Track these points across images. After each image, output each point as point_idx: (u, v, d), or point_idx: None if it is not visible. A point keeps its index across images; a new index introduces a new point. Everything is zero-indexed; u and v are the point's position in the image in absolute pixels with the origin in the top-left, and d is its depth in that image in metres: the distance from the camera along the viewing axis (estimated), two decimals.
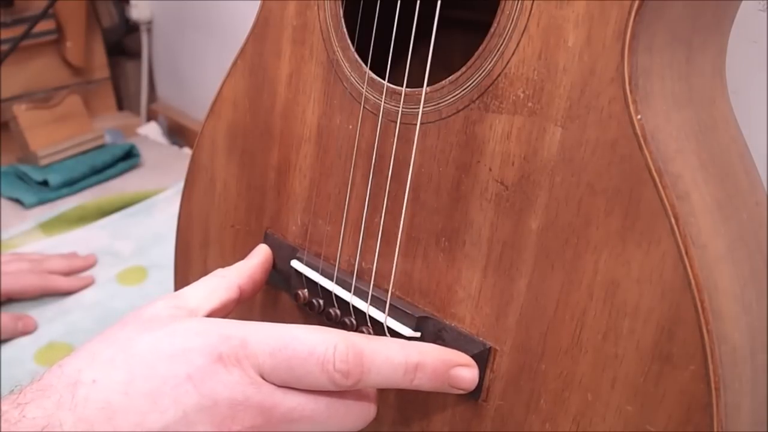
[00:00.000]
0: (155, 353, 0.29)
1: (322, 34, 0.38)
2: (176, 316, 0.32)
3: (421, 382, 0.30)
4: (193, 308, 0.33)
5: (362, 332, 0.37)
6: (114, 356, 0.29)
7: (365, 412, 0.31)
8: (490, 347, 0.32)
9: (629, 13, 0.26)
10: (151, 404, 0.27)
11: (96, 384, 0.27)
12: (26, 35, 0.78)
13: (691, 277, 0.26)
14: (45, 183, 0.86)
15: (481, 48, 0.31)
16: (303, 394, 0.29)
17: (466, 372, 0.31)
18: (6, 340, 0.61)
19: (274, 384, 0.29)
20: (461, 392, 0.31)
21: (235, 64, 0.43)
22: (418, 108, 0.33)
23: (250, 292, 0.37)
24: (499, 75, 0.30)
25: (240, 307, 0.44)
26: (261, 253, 0.39)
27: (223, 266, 0.39)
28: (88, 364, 0.28)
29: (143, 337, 0.30)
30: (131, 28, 1.07)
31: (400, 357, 0.30)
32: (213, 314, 0.34)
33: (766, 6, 0.45)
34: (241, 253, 0.45)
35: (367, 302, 0.36)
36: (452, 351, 0.31)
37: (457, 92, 0.32)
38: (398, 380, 0.30)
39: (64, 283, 0.68)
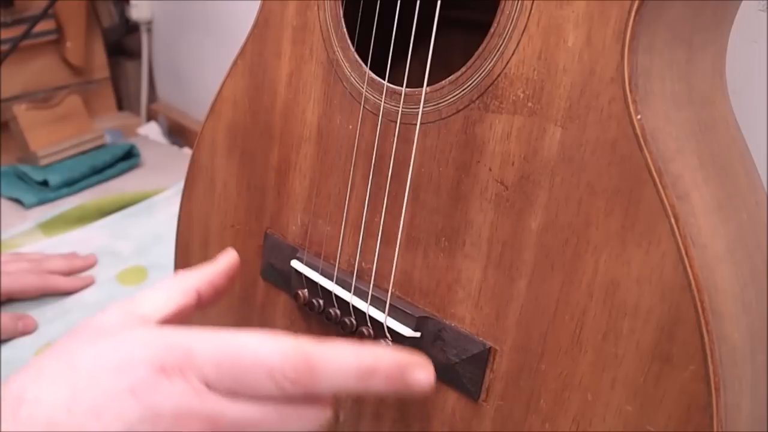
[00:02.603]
0: (99, 366, 0.28)
1: (322, 34, 0.38)
2: (127, 323, 0.31)
3: (376, 386, 0.29)
4: (145, 314, 0.32)
5: (362, 332, 0.37)
6: (58, 372, 0.29)
7: (318, 415, 0.30)
8: (490, 347, 0.32)
9: (629, 13, 0.26)
10: (94, 419, 0.27)
11: (39, 401, 0.27)
12: (26, 35, 0.78)
13: (691, 277, 0.26)
14: (45, 183, 0.86)
15: (481, 48, 0.31)
16: (251, 401, 0.28)
17: (421, 374, 0.29)
18: (6, 340, 0.61)
19: (221, 393, 0.28)
20: (419, 394, 0.30)
21: (235, 64, 0.43)
22: (418, 108, 0.33)
23: (210, 299, 0.36)
24: (499, 75, 0.30)
25: (239, 307, 0.44)
26: (227, 260, 0.37)
27: None
28: (33, 380, 0.28)
29: (88, 349, 0.29)
30: (131, 28, 1.07)
31: (352, 363, 0.28)
32: (168, 320, 0.33)
33: (766, 6, 0.45)
34: (241, 253, 0.45)
35: (367, 302, 0.36)
36: (407, 354, 0.30)
37: (457, 92, 0.32)
38: (351, 386, 0.29)
39: (64, 283, 0.68)
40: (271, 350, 0.28)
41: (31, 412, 0.27)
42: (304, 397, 0.29)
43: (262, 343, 0.28)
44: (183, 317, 0.34)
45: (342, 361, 0.29)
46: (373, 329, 0.36)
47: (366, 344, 0.29)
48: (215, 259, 0.37)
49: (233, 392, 0.28)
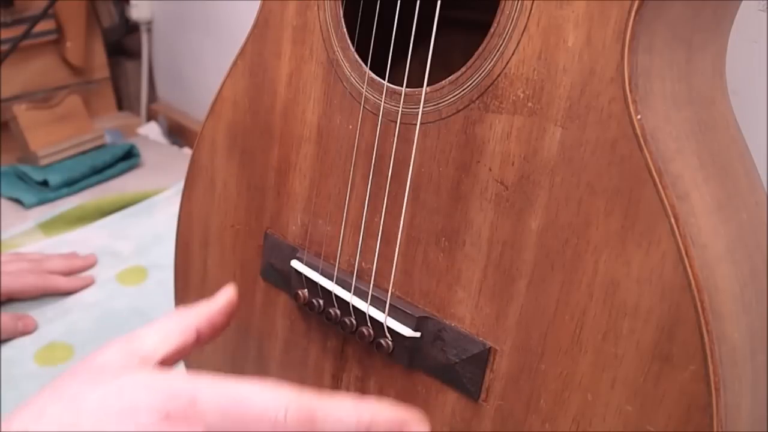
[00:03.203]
0: (103, 410, 0.28)
1: (322, 34, 0.38)
2: (128, 365, 0.31)
3: None
4: (146, 355, 0.32)
5: (362, 332, 0.37)
6: (61, 414, 0.28)
7: None
8: (490, 347, 0.32)
9: (629, 13, 0.26)
10: None
11: None
12: (26, 35, 0.78)
13: (691, 277, 0.26)
14: (45, 183, 0.86)
15: (481, 48, 0.31)
16: None
17: (419, 428, 0.30)
18: (6, 340, 0.61)
19: None
20: None
21: (235, 64, 0.43)
22: (418, 108, 0.33)
23: (208, 336, 0.36)
24: (499, 75, 0.30)
25: (240, 308, 0.44)
26: (224, 297, 0.37)
27: (223, 266, 0.38)
28: (35, 420, 0.28)
29: (91, 391, 0.29)
30: (131, 28, 1.07)
31: (352, 418, 0.29)
32: (168, 359, 0.33)
33: (766, 6, 0.45)
34: (241, 253, 0.45)
35: (367, 302, 0.36)
36: (406, 410, 0.31)
37: (457, 92, 0.32)
38: None
39: (64, 283, 0.68)
40: (275, 403, 0.28)
41: None
42: None
43: (266, 395, 0.29)
44: (182, 355, 0.34)
45: (343, 415, 0.29)
46: (373, 329, 0.36)
47: (367, 399, 0.30)
48: (214, 297, 0.37)
49: None
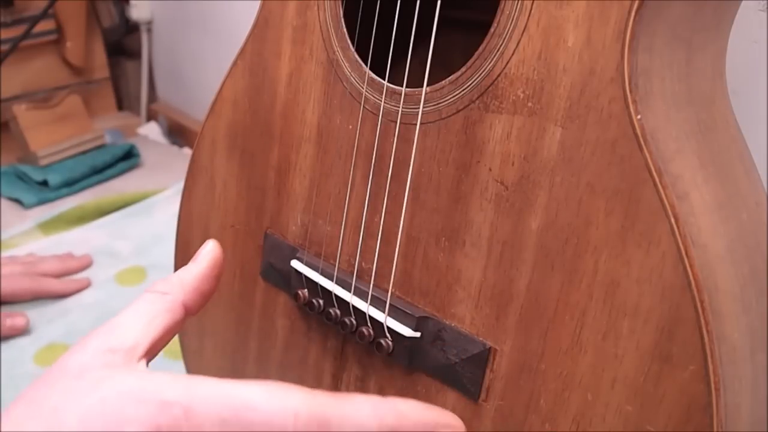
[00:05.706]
0: (85, 427, 0.25)
1: (322, 34, 0.38)
2: (110, 364, 0.28)
3: None
4: (129, 347, 0.28)
5: (362, 332, 0.37)
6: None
7: None
8: (490, 347, 0.32)
9: (629, 13, 0.26)
10: None
11: None
12: (26, 35, 0.78)
13: (691, 277, 0.26)
14: (45, 183, 0.86)
15: (481, 48, 0.31)
16: None
17: None
18: (6, 340, 0.61)
19: None
20: None
21: (235, 64, 0.43)
22: (418, 108, 0.33)
23: (198, 306, 0.32)
24: (499, 75, 0.30)
25: (239, 307, 0.44)
26: (208, 257, 0.33)
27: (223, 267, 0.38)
28: None
29: (72, 404, 0.26)
30: (131, 28, 1.07)
31: (372, 422, 0.25)
32: (155, 346, 0.29)
33: (766, 6, 0.45)
34: (241, 253, 0.45)
35: (367, 302, 0.36)
36: (436, 410, 0.27)
37: (457, 92, 0.32)
38: None
39: (57, 286, 0.67)
40: (282, 409, 0.25)
41: None
42: None
43: (272, 400, 0.25)
44: (171, 335, 0.31)
45: (360, 420, 0.26)
46: (373, 329, 0.36)
47: (390, 399, 0.26)
48: (196, 257, 0.33)
49: None
